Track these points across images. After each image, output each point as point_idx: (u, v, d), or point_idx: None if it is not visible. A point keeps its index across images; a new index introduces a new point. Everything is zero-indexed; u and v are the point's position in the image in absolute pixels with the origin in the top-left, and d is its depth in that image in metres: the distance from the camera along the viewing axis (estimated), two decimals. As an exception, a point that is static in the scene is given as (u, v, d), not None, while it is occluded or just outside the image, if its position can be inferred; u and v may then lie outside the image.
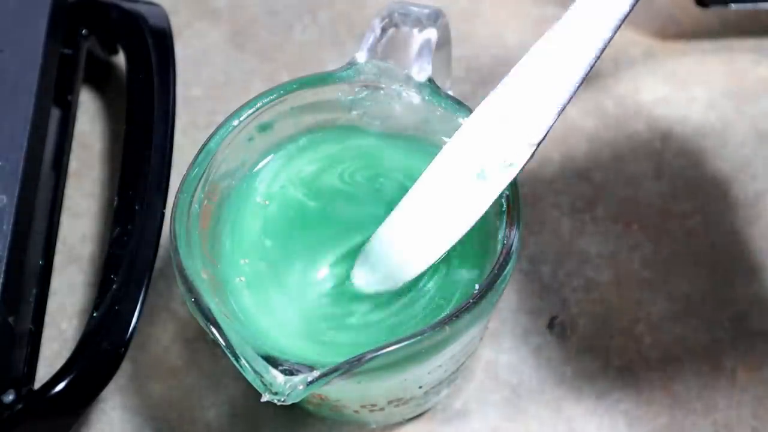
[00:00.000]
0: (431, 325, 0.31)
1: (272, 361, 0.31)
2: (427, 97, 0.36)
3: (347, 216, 0.36)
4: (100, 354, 0.39)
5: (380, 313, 0.34)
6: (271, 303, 0.34)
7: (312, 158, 0.37)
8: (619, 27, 0.31)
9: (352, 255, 0.35)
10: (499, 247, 0.33)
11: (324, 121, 0.38)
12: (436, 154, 0.37)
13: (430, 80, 0.36)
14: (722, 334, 0.44)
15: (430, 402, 0.41)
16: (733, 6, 0.49)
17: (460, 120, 0.35)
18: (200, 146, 0.35)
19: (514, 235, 0.33)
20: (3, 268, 0.38)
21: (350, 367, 0.30)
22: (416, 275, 0.34)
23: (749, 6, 0.49)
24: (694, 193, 0.47)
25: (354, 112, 0.38)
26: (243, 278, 0.35)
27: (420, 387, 0.37)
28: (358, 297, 0.34)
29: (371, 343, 0.31)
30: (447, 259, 0.35)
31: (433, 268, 0.35)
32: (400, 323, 0.34)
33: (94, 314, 0.40)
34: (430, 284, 0.35)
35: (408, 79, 0.36)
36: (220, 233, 0.36)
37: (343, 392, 0.36)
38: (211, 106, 0.50)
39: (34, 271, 0.41)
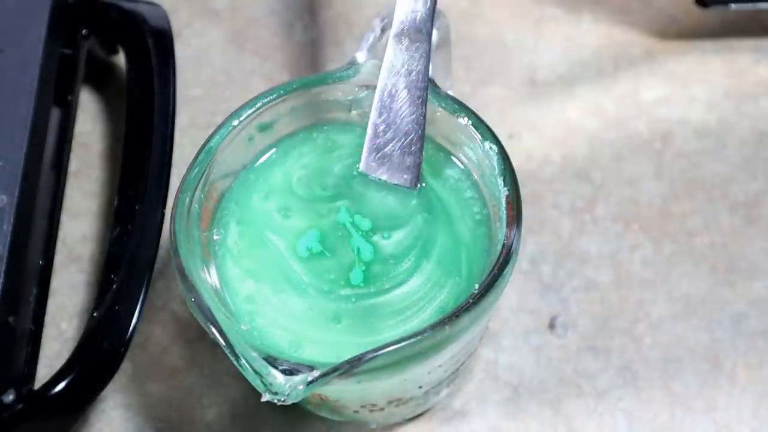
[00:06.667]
0: (431, 325, 0.31)
1: (272, 361, 0.31)
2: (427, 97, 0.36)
3: (346, 214, 0.36)
4: (100, 354, 0.39)
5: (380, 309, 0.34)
6: (270, 299, 0.34)
7: (311, 157, 0.37)
8: None
9: (353, 250, 0.35)
10: (499, 247, 0.33)
11: (324, 120, 0.38)
12: (435, 154, 0.37)
13: (431, 80, 0.36)
14: (722, 334, 0.44)
15: (430, 402, 0.41)
16: (733, 6, 0.49)
17: (460, 120, 0.35)
18: (200, 146, 0.35)
19: (514, 235, 0.33)
20: (3, 268, 0.39)
21: (350, 367, 0.30)
22: None
23: (749, 6, 0.49)
24: (694, 193, 0.47)
25: (354, 112, 0.38)
26: (243, 274, 0.35)
27: (420, 387, 0.37)
28: (361, 294, 0.34)
29: (369, 342, 0.31)
30: (449, 258, 0.35)
31: (433, 268, 0.35)
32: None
33: (94, 314, 0.40)
34: (431, 285, 0.35)
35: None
36: (220, 231, 0.36)
37: (343, 392, 0.36)
38: (211, 106, 0.50)
39: (34, 271, 0.41)
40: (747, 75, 0.50)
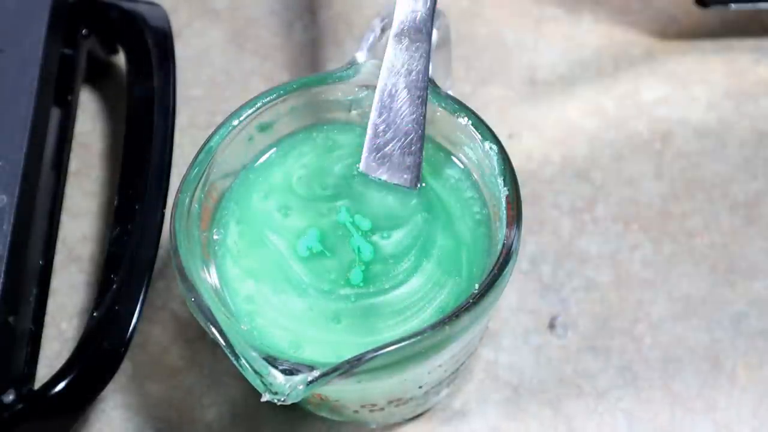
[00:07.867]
0: (431, 325, 0.31)
1: (272, 361, 0.31)
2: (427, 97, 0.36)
3: (346, 214, 0.36)
4: (100, 354, 0.39)
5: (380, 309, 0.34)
6: (270, 299, 0.34)
7: (312, 157, 0.37)
8: None
9: (353, 250, 0.35)
10: (499, 247, 0.33)
11: (324, 120, 0.38)
12: (435, 154, 0.37)
13: (431, 80, 0.36)
14: (722, 334, 0.44)
15: (430, 402, 0.41)
16: (733, 6, 0.49)
17: (460, 120, 0.35)
18: (200, 146, 0.35)
19: (514, 235, 0.33)
20: (3, 268, 0.39)
21: (350, 367, 0.30)
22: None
23: (749, 6, 0.49)
24: (694, 193, 0.47)
25: (354, 112, 0.38)
26: (243, 274, 0.35)
27: (420, 387, 0.37)
28: (361, 294, 0.34)
29: (369, 342, 0.31)
30: (449, 258, 0.35)
31: (433, 268, 0.35)
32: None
33: (94, 314, 0.40)
34: (430, 285, 0.35)
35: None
36: (220, 230, 0.36)
37: (343, 392, 0.36)
38: (211, 106, 0.50)
39: (34, 271, 0.41)
40: (747, 75, 0.50)
